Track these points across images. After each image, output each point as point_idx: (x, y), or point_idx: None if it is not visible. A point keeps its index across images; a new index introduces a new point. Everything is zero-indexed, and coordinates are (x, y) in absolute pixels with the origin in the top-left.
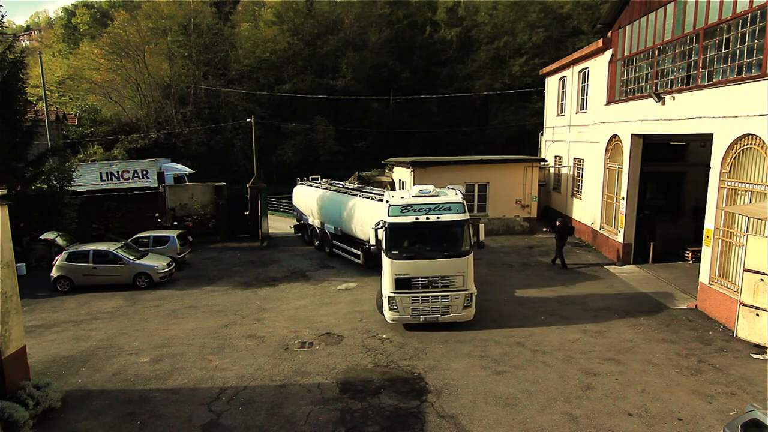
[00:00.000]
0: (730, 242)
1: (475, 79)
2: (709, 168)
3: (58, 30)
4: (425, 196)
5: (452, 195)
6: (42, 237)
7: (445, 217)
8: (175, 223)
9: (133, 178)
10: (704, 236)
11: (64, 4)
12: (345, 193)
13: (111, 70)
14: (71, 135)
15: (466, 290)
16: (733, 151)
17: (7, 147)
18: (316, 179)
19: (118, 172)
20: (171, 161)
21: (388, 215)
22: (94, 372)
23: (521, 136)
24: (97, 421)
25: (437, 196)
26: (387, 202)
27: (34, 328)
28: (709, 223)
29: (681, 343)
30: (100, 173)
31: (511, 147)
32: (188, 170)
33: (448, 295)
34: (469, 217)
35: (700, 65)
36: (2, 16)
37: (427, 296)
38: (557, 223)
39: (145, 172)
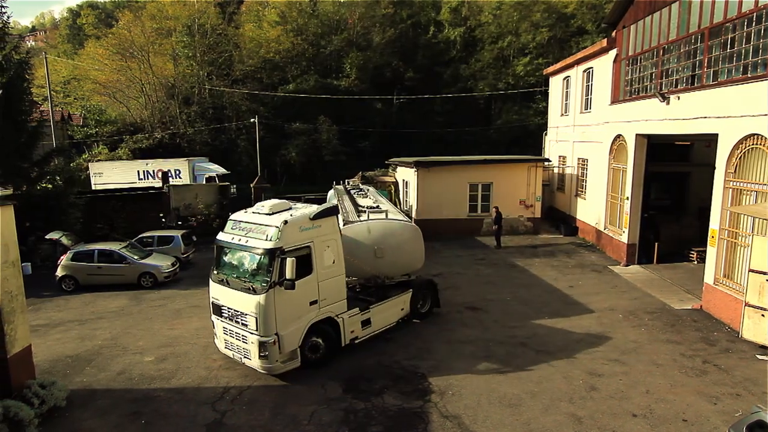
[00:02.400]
0: (735, 243)
1: (479, 79)
2: (714, 168)
3: (63, 31)
4: (258, 213)
5: (282, 216)
6: (47, 237)
7: (252, 243)
8: (180, 222)
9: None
10: (709, 236)
11: (69, 5)
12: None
13: (116, 70)
14: (76, 135)
15: (261, 336)
16: (739, 151)
17: (13, 147)
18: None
19: (153, 171)
20: (209, 161)
21: (222, 230)
22: (99, 371)
23: (525, 136)
24: (101, 420)
25: (271, 215)
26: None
27: (39, 327)
28: (714, 223)
29: (686, 343)
30: (138, 171)
31: (514, 147)
32: (223, 170)
33: (246, 336)
34: (282, 246)
35: (705, 65)
36: (8, 17)
37: (232, 330)
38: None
39: (177, 171)
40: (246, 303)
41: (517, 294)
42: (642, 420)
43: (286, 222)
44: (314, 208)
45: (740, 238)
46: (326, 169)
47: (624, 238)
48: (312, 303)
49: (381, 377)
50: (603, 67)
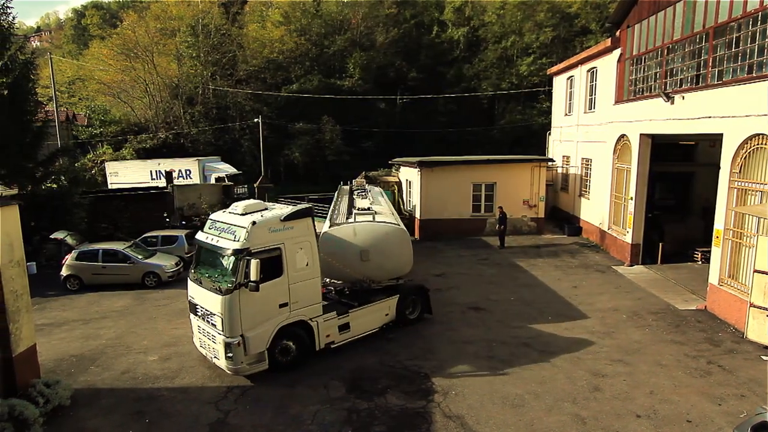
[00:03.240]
0: (740, 243)
1: (482, 79)
2: (719, 168)
3: (68, 31)
4: (233, 214)
5: (252, 216)
6: (52, 236)
7: (222, 243)
8: (183, 222)
9: (178, 178)
10: (714, 237)
11: (74, 6)
12: (338, 200)
13: (120, 70)
14: (81, 135)
15: (226, 337)
16: (743, 151)
17: (18, 147)
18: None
19: (165, 171)
20: (221, 160)
21: (201, 229)
22: (103, 370)
23: (528, 136)
24: (105, 419)
25: (243, 216)
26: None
27: (44, 327)
28: (718, 223)
29: (690, 344)
30: (151, 171)
31: (517, 147)
32: (233, 170)
33: (215, 336)
34: (249, 247)
35: (710, 64)
36: (13, 18)
37: (204, 329)
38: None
39: (188, 171)
40: (214, 303)
41: (521, 294)
42: (646, 421)
43: (254, 223)
44: (287, 210)
45: (745, 238)
46: (329, 169)
47: (628, 239)
48: (282, 305)
49: (384, 377)
50: (607, 66)
